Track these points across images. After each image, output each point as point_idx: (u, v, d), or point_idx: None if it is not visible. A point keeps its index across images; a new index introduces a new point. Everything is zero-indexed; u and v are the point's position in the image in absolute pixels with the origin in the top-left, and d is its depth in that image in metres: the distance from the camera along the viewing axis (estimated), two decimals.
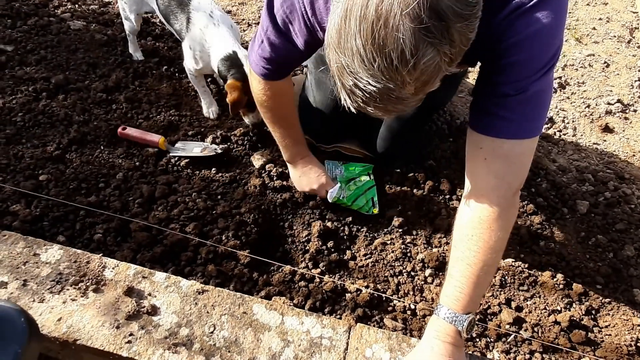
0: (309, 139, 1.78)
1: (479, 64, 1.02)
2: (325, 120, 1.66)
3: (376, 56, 0.68)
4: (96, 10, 2.13)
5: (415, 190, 1.73)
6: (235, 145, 1.72)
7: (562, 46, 0.90)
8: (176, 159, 1.62)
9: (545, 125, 2.20)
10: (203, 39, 1.62)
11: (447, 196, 1.75)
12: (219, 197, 1.55)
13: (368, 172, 1.72)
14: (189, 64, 1.70)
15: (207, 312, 0.98)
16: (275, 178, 1.64)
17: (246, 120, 1.76)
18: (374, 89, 0.71)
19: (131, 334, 0.92)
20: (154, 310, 0.96)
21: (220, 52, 1.59)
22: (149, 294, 0.99)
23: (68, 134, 1.61)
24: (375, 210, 1.62)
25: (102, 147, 1.61)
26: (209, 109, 1.82)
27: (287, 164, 1.57)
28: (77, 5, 2.13)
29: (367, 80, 0.71)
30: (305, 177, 1.54)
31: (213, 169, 1.63)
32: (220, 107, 1.83)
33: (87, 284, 0.98)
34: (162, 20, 1.76)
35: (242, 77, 1.56)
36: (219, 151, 1.64)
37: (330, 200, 1.55)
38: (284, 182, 1.62)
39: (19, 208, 1.38)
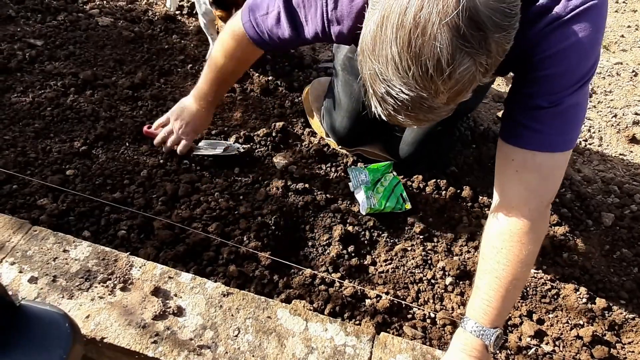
0: (331, 141, 1.78)
1: (510, 73, 1.01)
2: (350, 124, 1.66)
3: (411, 64, 0.68)
4: (124, 7, 2.15)
5: (436, 197, 1.72)
6: (257, 146, 1.72)
7: (599, 59, 0.88)
8: (199, 158, 1.63)
9: None
10: None
11: (469, 204, 1.73)
12: (241, 197, 1.56)
13: (390, 169, 1.72)
14: (197, 9, 1.86)
15: (232, 315, 0.98)
16: (297, 180, 1.64)
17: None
18: (407, 97, 0.71)
19: (157, 334, 0.93)
20: (179, 311, 0.97)
21: None
22: (175, 295, 1.00)
23: (95, 129, 1.63)
24: (408, 206, 1.62)
25: (127, 144, 1.63)
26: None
27: (190, 96, 1.54)
28: (105, 2, 2.16)
29: (400, 88, 0.70)
30: (187, 112, 1.53)
31: (236, 168, 1.64)
32: None
33: (115, 282, 0.99)
34: None
35: None
36: (242, 150, 1.65)
37: (364, 213, 1.57)
38: (306, 185, 1.62)
39: (46, 202, 1.40)
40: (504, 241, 0.94)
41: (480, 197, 1.75)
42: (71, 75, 1.78)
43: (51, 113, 1.65)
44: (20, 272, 0.97)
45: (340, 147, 1.77)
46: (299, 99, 1.93)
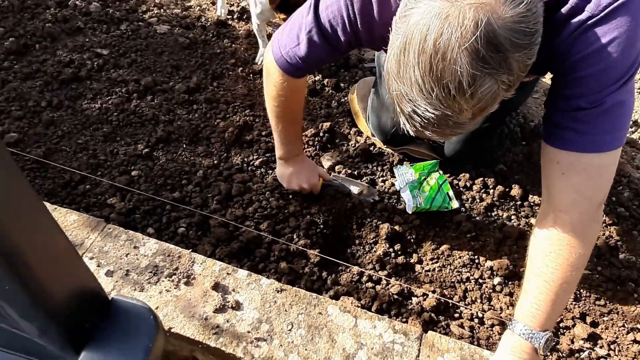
0: (377, 140, 1.80)
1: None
2: (395, 121, 1.67)
3: (434, 86, 0.71)
4: (179, 14, 2.27)
5: (484, 195, 1.71)
6: (305, 146, 1.78)
7: None
8: (250, 158, 1.72)
9: (630, 129, 2.06)
10: None
11: (519, 202, 1.70)
12: (290, 196, 1.63)
13: (436, 167, 1.72)
14: (252, 11, 1.94)
15: (285, 311, 1.05)
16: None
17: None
18: (432, 115, 0.74)
19: (218, 326, 1.01)
20: (237, 306, 1.05)
21: None
22: (233, 290, 1.08)
23: (155, 132, 1.75)
24: (454, 205, 1.62)
25: (184, 146, 1.74)
26: (261, 57, 2.07)
27: (278, 160, 1.57)
28: (162, 10, 2.29)
29: (425, 108, 0.74)
30: (296, 175, 1.55)
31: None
32: None
33: (179, 277, 1.08)
34: None
35: None
36: (377, 198, 1.61)
37: (410, 212, 1.59)
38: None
39: (115, 201, 1.54)
40: (552, 244, 0.93)
41: (531, 196, 1.72)
42: (134, 82, 1.91)
43: (117, 118, 1.79)
44: (98, 266, 1.08)
45: (386, 146, 1.80)
46: (346, 98, 1.96)
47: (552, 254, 0.93)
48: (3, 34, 2.04)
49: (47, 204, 1.28)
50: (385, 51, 1.15)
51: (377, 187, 1.70)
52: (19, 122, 1.74)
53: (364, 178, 1.71)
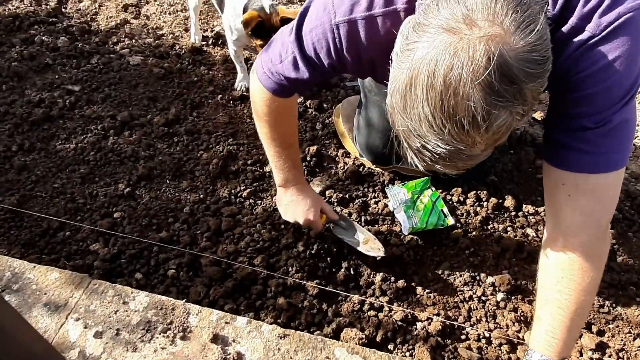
0: (365, 160, 1.77)
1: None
2: (384, 143, 1.64)
3: (446, 123, 0.67)
4: (152, 44, 2.21)
5: (478, 209, 1.68)
6: None
7: None
8: (237, 189, 1.66)
9: None
10: (234, 3, 1.81)
11: (513, 213, 1.69)
12: (282, 226, 1.57)
13: (428, 184, 1.69)
14: (228, 37, 1.92)
15: (291, 358, 0.99)
16: (336, 204, 1.64)
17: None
18: (444, 150, 0.71)
19: None
20: (239, 357, 0.99)
21: (244, 0, 1.76)
22: (233, 340, 1.02)
23: (136, 170, 1.68)
24: (449, 221, 1.59)
25: (167, 181, 1.67)
26: (240, 83, 2.03)
27: (278, 187, 1.46)
28: (134, 40, 2.22)
29: (436, 143, 0.70)
30: (292, 206, 1.43)
31: (274, 197, 1.65)
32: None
33: (175, 331, 1.01)
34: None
35: (260, 8, 1.69)
36: (382, 255, 1.44)
37: (406, 233, 1.56)
38: (345, 209, 1.62)
39: (98, 247, 1.46)
40: (563, 270, 0.91)
41: (524, 206, 1.70)
42: (109, 117, 1.84)
43: (94, 157, 1.71)
44: (86, 327, 1.01)
45: (375, 166, 1.76)
46: (330, 119, 1.93)
47: (564, 279, 0.90)
48: None
49: (25, 262, 1.20)
50: (375, 79, 1.12)
51: (369, 209, 1.66)
52: None
53: (356, 201, 1.67)
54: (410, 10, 0.91)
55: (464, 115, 0.65)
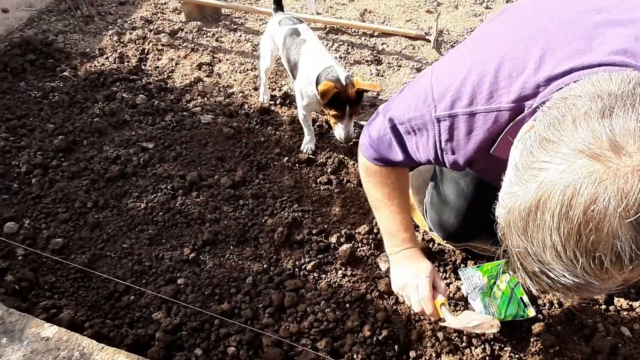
0: (436, 235, 1.67)
1: None
2: (459, 222, 1.54)
3: (580, 257, 0.59)
4: (222, 102, 2.27)
5: (563, 299, 1.52)
6: (360, 245, 1.66)
7: None
8: (302, 261, 1.60)
9: None
10: (308, 71, 1.81)
11: (604, 306, 1.51)
12: (347, 305, 1.49)
13: (505, 267, 1.56)
14: (298, 102, 1.92)
15: None
16: None
17: (335, 132, 1.82)
18: (570, 281, 0.62)
19: None
20: None
21: (319, 68, 1.76)
22: None
23: (202, 233, 1.67)
24: (530, 312, 1.44)
25: (231, 247, 1.65)
26: (307, 145, 2.01)
27: (389, 256, 1.34)
28: (205, 99, 2.30)
29: (561, 273, 0.62)
30: (400, 277, 1.28)
31: (339, 271, 1.58)
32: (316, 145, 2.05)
33: None
34: (283, 62, 2.05)
35: (335, 79, 1.69)
36: (498, 329, 1.21)
37: None
38: None
39: (160, 316, 1.43)
40: None
41: (616, 299, 1.52)
42: (179, 177, 1.87)
43: (163, 218, 1.73)
44: None
45: (445, 241, 1.66)
46: None
47: None
48: (53, 130, 2.07)
49: (94, 343, 1.19)
50: (471, 169, 1.06)
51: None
52: (65, 226, 1.70)
53: None
54: (517, 110, 0.85)
55: (605, 253, 0.57)
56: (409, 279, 1.25)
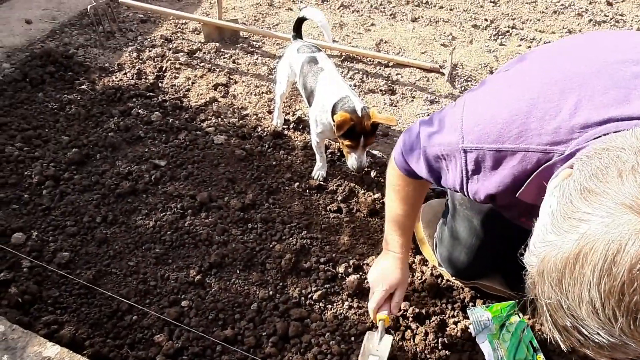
0: (445, 271, 1.65)
1: None
2: (469, 260, 1.53)
3: (619, 317, 0.55)
4: (236, 124, 2.29)
5: None
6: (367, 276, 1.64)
7: None
8: (308, 289, 1.58)
9: None
10: (324, 99, 1.82)
11: None
12: (353, 339, 1.46)
13: (515, 309, 1.53)
14: (312, 129, 1.94)
15: None
16: (410, 320, 1.51)
17: (348, 162, 1.83)
18: (604, 340, 0.58)
19: None
20: None
21: (335, 97, 1.77)
22: None
23: (209, 255, 1.66)
24: (540, 358, 1.41)
25: (238, 272, 1.63)
26: (318, 172, 2.01)
27: (383, 244, 1.43)
28: (219, 119, 2.31)
29: (596, 331, 0.58)
30: (378, 273, 1.39)
31: (346, 302, 1.56)
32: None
33: None
34: (300, 88, 2.08)
35: (352, 110, 1.70)
36: None
37: None
38: (421, 326, 1.49)
39: (162, 339, 1.41)
40: None
41: None
42: (189, 197, 1.87)
43: (170, 238, 1.72)
44: None
45: (454, 278, 1.63)
46: None
47: None
48: (67, 143, 2.09)
49: None
50: (493, 205, 1.07)
51: (447, 329, 1.51)
52: (72, 240, 1.70)
53: (433, 318, 1.53)
54: (546, 154, 0.83)
55: None
56: (377, 281, 1.37)
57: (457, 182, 1.02)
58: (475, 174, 0.97)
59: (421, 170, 1.12)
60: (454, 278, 1.64)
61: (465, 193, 1.03)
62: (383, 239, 1.43)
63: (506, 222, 1.47)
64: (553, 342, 0.70)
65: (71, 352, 1.19)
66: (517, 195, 0.88)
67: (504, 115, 0.88)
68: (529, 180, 0.85)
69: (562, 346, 0.67)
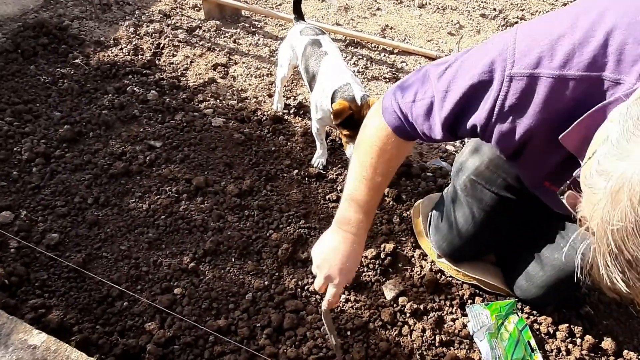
0: (444, 264, 1.61)
1: None
2: (463, 243, 1.50)
3: None
4: (235, 106, 2.22)
5: (570, 346, 1.47)
6: (365, 269, 1.60)
7: None
8: (305, 281, 1.54)
9: None
10: (325, 85, 1.76)
11: (612, 358, 1.45)
12: (349, 333, 1.43)
13: (514, 308, 1.51)
14: (313, 115, 1.88)
15: None
16: (408, 315, 1.48)
17: (347, 151, 1.79)
18: None
19: None
20: None
21: (336, 83, 1.71)
22: None
23: (204, 242, 1.61)
24: (537, 358, 1.39)
25: (233, 260, 1.59)
26: (318, 159, 1.97)
27: (335, 219, 1.19)
28: (218, 101, 2.24)
29: None
30: (332, 253, 1.15)
31: (343, 296, 1.52)
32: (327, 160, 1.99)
33: None
34: (301, 72, 1.99)
35: (351, 99, 1.65)
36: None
37: None
38: (419, 322, 1.46)
39: (153, 327, 1.37)
40: None
41: (626, 351, 1.47)
42: (185, 180, 1.81)
43: (164, 222, 1.67)
44: None
45: (445, 258, 1.60)
46: (408, 213, 1.80)
47: None
48: (59, 119, 2.01)
49: (84, 356, 1.12)
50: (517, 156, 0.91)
51: (445, 326, 1.48)
52: (62, 221, 1.64)
53: (430, 314, 1.50)
54: (618, 84, 0.70)
55: None
56: (322, 265, 1.16)
57: (481, 122, 0.86)
58: (511, 112, 0.82)
59: (432, 125, 0.95)
60: (443, 260, 1.61)
61: (487, 136, 0.88)
62: (337, 214, 1.18)
63: (505, 216, 1.43)
64: (602, 284, 0.58)
65: (58, 340, 1.14)
66: (559, 138, 0.74)
67: (577, 36, 0.73)
68: (586, 114, 0.70)
69: (617, 287, 0.56)
